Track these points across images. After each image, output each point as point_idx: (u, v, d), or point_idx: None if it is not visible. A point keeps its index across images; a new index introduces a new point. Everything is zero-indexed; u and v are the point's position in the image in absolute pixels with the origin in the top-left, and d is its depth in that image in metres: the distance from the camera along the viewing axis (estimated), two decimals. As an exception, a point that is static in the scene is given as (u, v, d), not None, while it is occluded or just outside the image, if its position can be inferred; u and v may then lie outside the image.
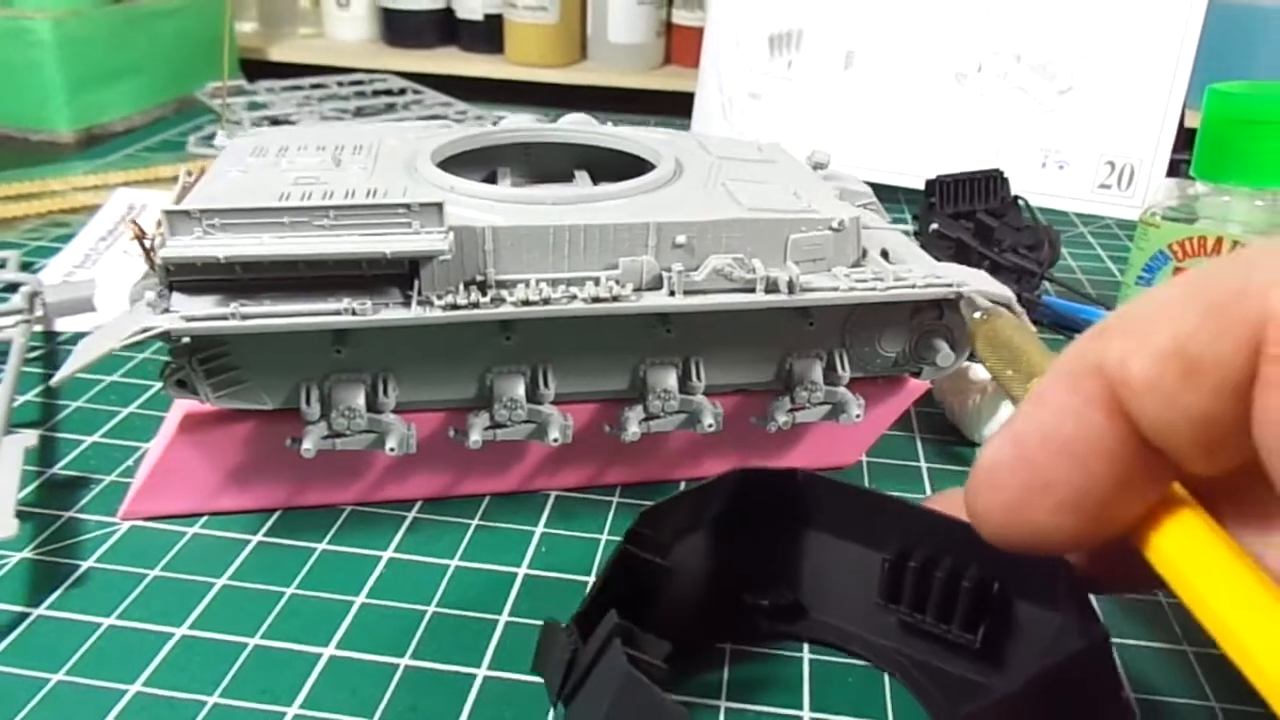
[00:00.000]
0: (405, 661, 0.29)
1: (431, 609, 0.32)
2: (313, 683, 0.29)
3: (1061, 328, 0.53)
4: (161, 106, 0.90)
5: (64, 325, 0.49)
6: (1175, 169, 0.63)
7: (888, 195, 0.65)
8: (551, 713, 0.28)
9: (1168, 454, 0.18)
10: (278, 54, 1.09)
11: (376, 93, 0.90)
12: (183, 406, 0.34)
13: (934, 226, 0.49)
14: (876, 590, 0.29)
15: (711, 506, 0.29)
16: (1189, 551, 0.18)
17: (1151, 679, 0.30)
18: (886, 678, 0.30)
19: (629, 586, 0.26)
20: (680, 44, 1.05)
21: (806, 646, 0.31)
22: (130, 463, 0.38)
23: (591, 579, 0.33)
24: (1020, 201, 0.50)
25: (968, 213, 0.49)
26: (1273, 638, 0.16)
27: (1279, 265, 0.17)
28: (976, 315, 0.29)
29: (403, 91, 0.90)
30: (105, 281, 0.51)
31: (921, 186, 0.52)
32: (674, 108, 0.92)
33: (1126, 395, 0.18)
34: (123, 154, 0.77)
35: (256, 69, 1.01)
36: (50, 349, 0.47)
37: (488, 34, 1.08)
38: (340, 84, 0.90)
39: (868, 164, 0.68)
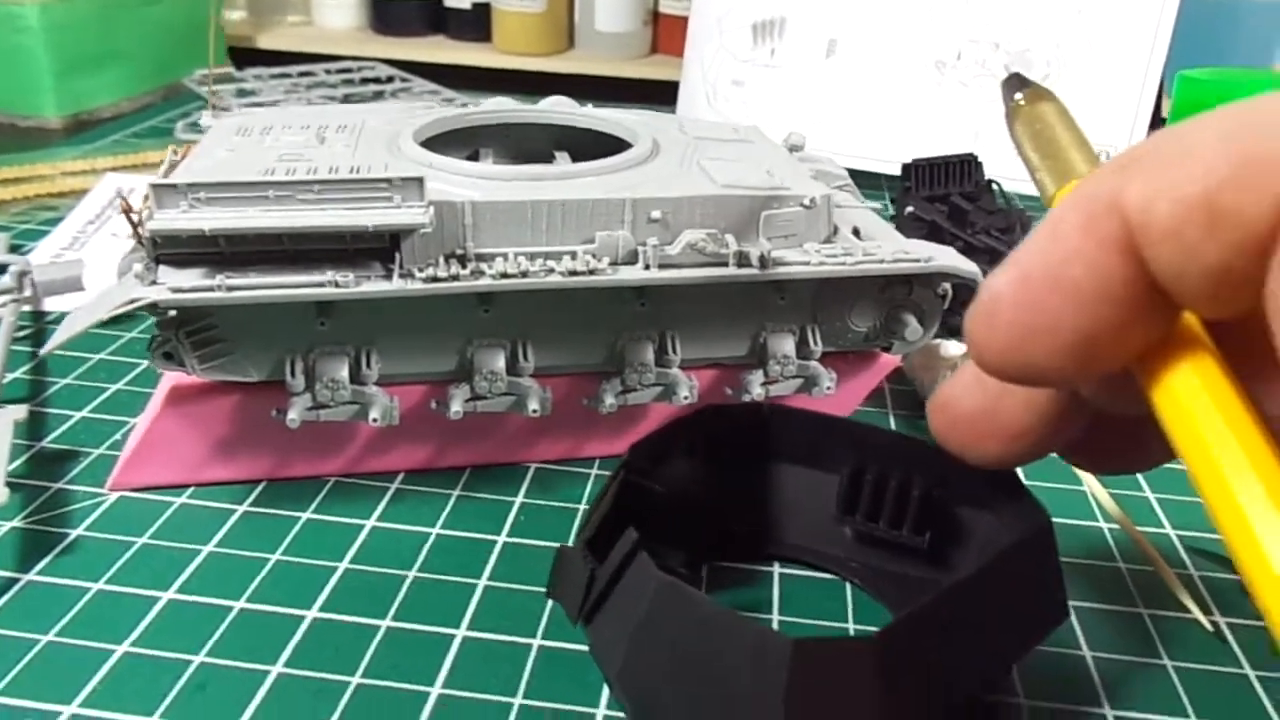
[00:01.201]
0: (387, 623, 0.30)
1: (413, 574, 0.32)
2: (297, 642, 0.29)
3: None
4: (150, 93, 0.90)
5: (53, 304, 0.49)
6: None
7: (869, 181, 0.66)
8: (527, 670, 0.29)
9: (1173, 297, 0.18)
10: (266, 41, 1.09)
11: (364, 80, 0.90)
12: (170, 381, 0.35)
13: (909, 209, 0.50)
14: (836, 506, 0.32)
15: (688, 441, 0.32)
16: (1192, 387, 0.18)
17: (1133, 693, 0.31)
18: (849, 586, 0.33)
19: (627, 512, 0.28)
20: (667, 33, 1.06)
21: (776, 565, 0.33)
22: (118, 437, 0.39)
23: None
24: (994, 185, 0.51)
25: (942, 196, 0.50)
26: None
27: None
28: (1018, 97, 0.26)
29: (390, 79, 0.91)
30: (94, 263, 0.51)
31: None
32: (660, 96, 0.92)
33: (1143, 240, 0.17)
34: (111, 140, 0.78)
35: (245, 57, 1.02)
36: (39, 328, 0.48)
37: (476, 22, 1.09)
38: (328, 71, 0.91)
39: (849, 150, 0.69)
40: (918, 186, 0.51)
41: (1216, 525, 0.17)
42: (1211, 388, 0.18)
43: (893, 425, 0.42)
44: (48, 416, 0.40)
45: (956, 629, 0.24)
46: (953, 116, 0.68)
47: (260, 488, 0.36)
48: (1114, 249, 0.18)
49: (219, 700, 0.27)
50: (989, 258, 0.48)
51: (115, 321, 0.49)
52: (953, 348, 0.43)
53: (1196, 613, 0.32)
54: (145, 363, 0.45)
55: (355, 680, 0.28)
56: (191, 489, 0.36)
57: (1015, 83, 0.27)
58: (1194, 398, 0.18)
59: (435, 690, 0.28)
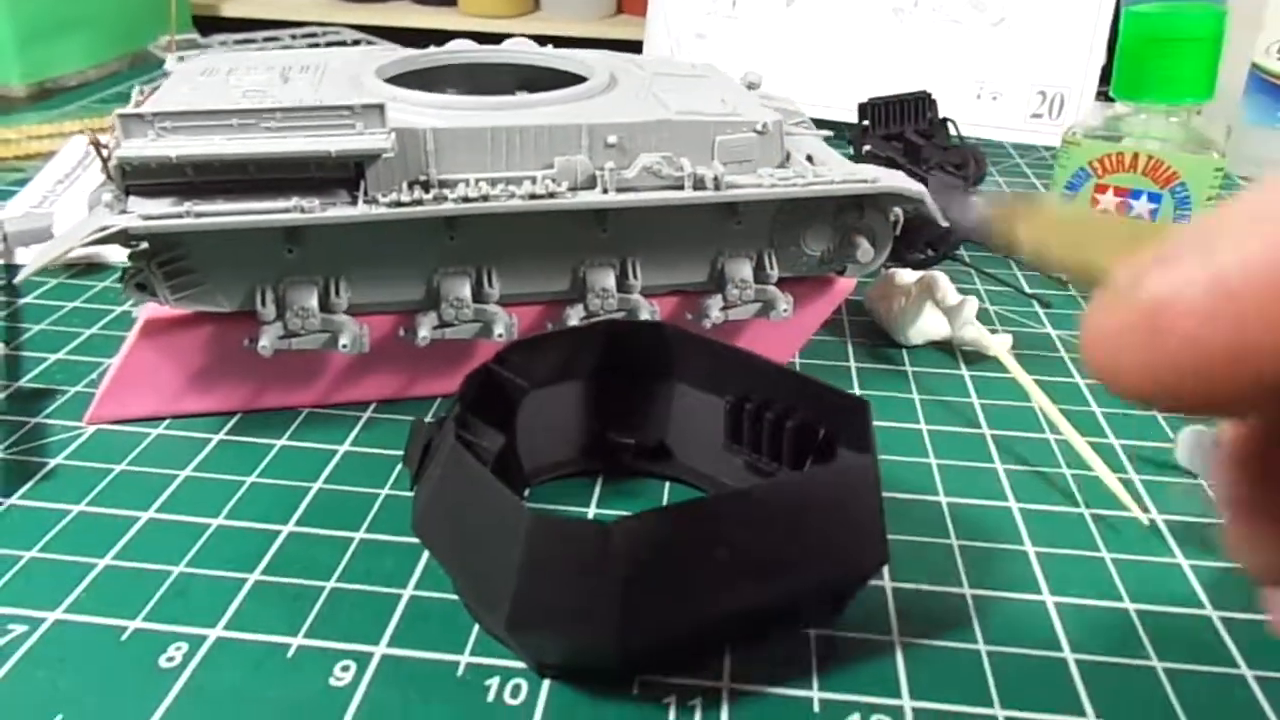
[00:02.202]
0: (360, 535, 0.31)
1: (385, 491, 0.34)
2: (274, 554, 0.31)
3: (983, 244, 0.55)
4: (115, 61, 0.90)
5: (24, 257, 0.50)
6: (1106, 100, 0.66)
7: (830, 129, 0.67)
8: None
9: None
10: (231, 9, 1.09)
11: (330, 45, 0.90)
12: (146, 314, 0.36)
13: (866, 148, 0.51)
14: (723, 433, 0.33)
15: (584, 355, 0.33)
16: None
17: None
18: None
19: (495, 406, 0.30)
20: (632, -6, 1.07)
21: (668, 484, 0.34)
22: (95, 376, 0.40)
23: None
24: (948, 122, 0.52)
25: (898, 134, 0.52)
26: None
27: None
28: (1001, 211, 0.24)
29: (356, 43, 0.91)
30: (64, 219, 0.52)
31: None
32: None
33: None
34: (76, 106, 0.78)
35: (210, 25, 1.01)
36: (10, 279, 0.48)
37: (440, -13, 1.09)
38: (294, 37, 0.91)
39: (811, 99, 0.70)
40: (875, 125, 0.52)
41: None
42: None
43: (850, 354, 0.44)
44: (23, 359, 0.41)
45: (715, 539, 0.24)
46: (911, 63, 0.69)
47: (236, 418, 0.37)
48: None
49: (200, 603, 0.28)
50: (943, 193, 0.50)
51: (89, 270, 0.49)
52: (907, 276, 0.44)
53: (1135, 510, 0.34)
54: (120, 308, 0.46)
55: (330, 584, 0.29)
56: (168, 421, 0.37)
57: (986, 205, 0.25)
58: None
59: (407, 592, 0.29)
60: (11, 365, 0.40)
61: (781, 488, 0.26)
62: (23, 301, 0.46)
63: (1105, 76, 0.68)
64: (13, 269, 0.50)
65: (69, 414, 0.37)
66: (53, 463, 0.35)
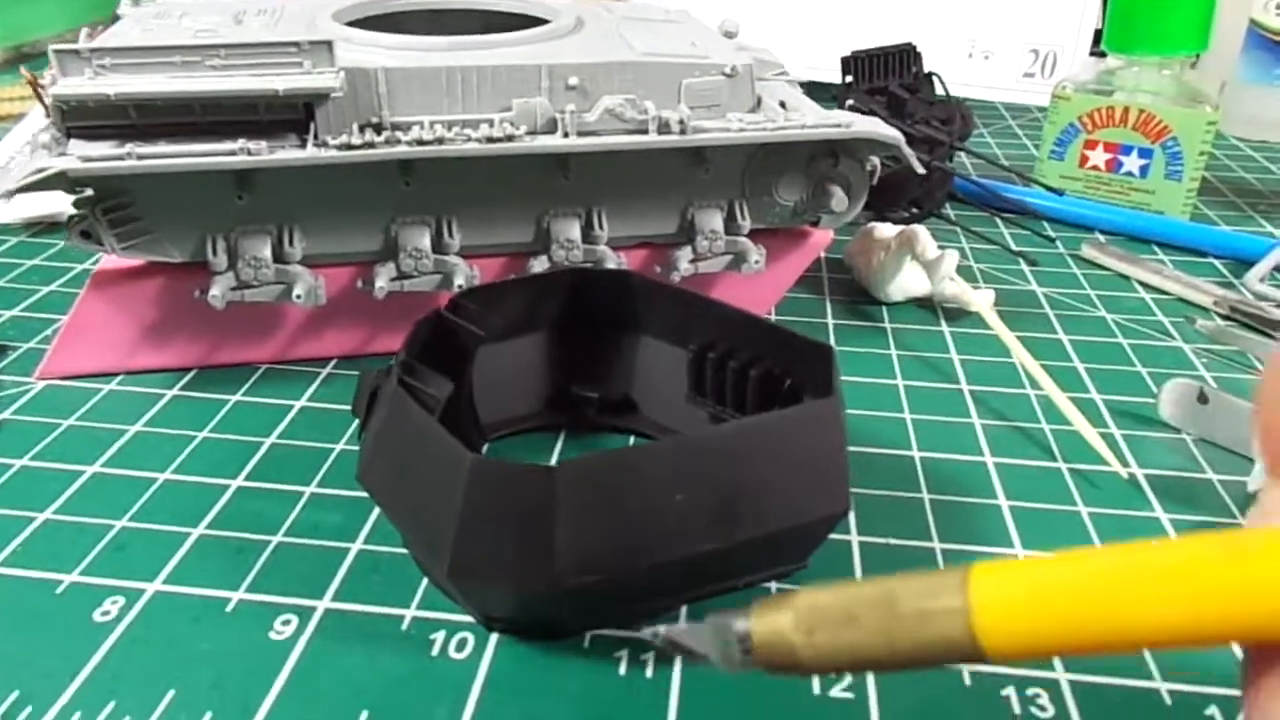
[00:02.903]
0: (311, 489, 0.30)
1: (340, 446, 0.33)
2: (220, 508, 0.29)
3: (971, 202, 0.54)
4: (91, 25, 0.88)
5: (-15, 215, 0.49)
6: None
7: (819, 93, 0.66)
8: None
9: None
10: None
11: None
12: (97, 268, 0.35)
13: (849, 103, 0.50)
14: (687, 384, 0.32)
15: (546, 304, 0.32)
16: None
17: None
18: None
19: (447, 354, 0.29)
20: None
21: (633, 439, 0.33)
22: (49, 333, 0.39)
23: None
24: (934, 77, 0.51)
25: (881, 89, 0.50)
26: None
27: None
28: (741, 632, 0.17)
29: (339, 6, 0.89)
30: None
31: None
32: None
33: None
34: (53, 68, 0.77)
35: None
36: (-28, 238, 0.47)
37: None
38: (276, -1, 0.89)
39: (797, 61, 0.68)
40: (858, 80, 0.51)
41: None
42: None
43: (829, 311, 0.42)
44: (-23, 316, 0.40)
45: (669, 483, 0.23)
46: (901, 21, 0.68)
47: (191, 374, 0.36)
48: None
49: (139, 558, 0.27)
50: (928, 147, 0.48)
51: (50, 229, 0.48)
52: (886, 230, 0.43)
53: (1115, 465, 0.32)
54: (80, 266, 0.45)
55: (276, 539, 0.28)
56: (121, 376, 0.36)
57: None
58: None
59: (355, 546, 0.28)
60: (-36, 321, 0.39)
61: (739, 430, 0.24)
62: (-20, 257, 0.45)
63: (1100, 38, 0.66)
64: (-25, 228, 0.49)
65: (20, 370, 0.36)
66: (-1, 418, 0.34)
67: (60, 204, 0.48)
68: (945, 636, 0.15)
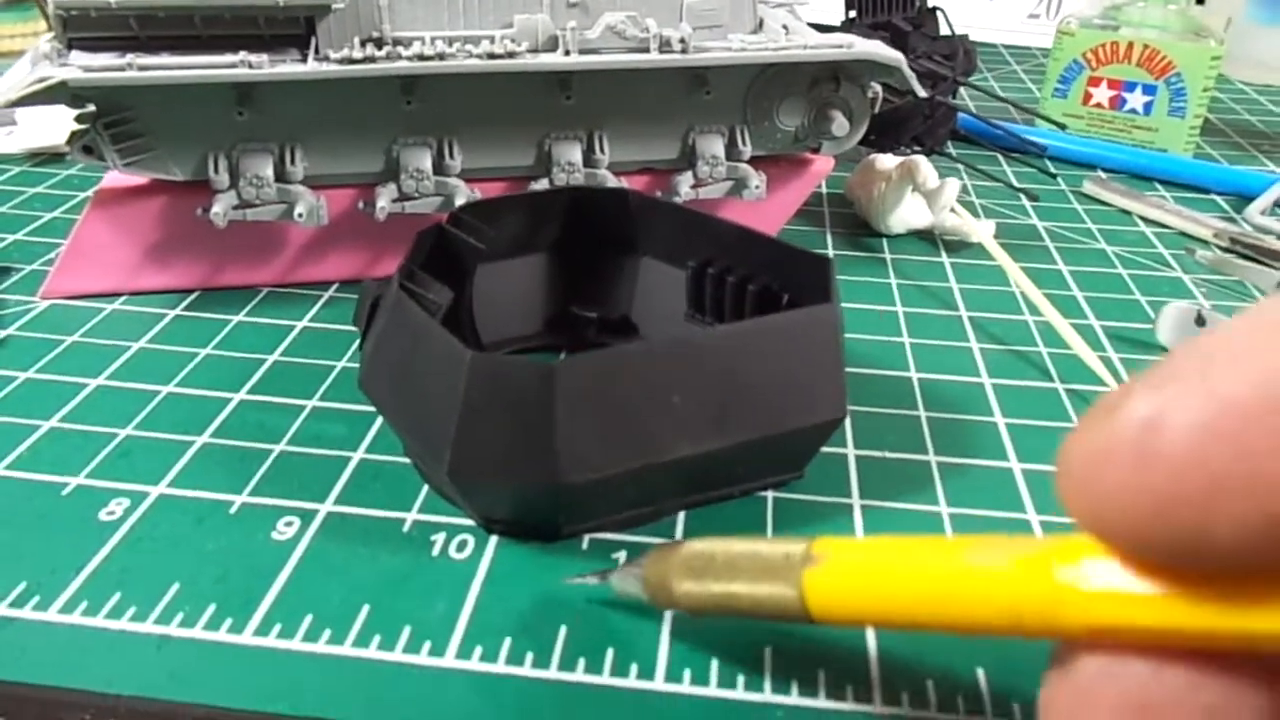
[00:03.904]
0: (314, 403, 0.31)
1: (341, 364, 0.33)
2: (223, 419, 0.30)
3: (974, 140, 0.54)
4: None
5: (-13, 145, 0.49)
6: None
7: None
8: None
9: None
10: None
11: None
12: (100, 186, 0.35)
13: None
14: (686, 303, 0.32)
15: (546, 224, 0.32)
16: None
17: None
18: None
19: (448, 267, 0.29)
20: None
21: None
22: (53, 256, 0.39)
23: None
24: (939, 11, 0.51)
25: (885, 23, 0.50)
26: None
27: None
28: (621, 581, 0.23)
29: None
30: (28, 112, 0.51)
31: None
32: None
33: None
34: (52, 9, 0.76)
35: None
36: (-26, 167, 0.47)
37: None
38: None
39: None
40: (861, 14, 0.50)
41: None
42: None
43: (829, 244, 0.42)
44: (-20, 240, 0.40)
45: (667, 383, 0.23)
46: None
47: (194, 296, 0.37)
48: None
49: (144, 463, 0.28)
50: (931, 82, 0.48)
51: (54, 159, 0.48)
52: (887, 161, 0.43)
53: (1111, 384, 0.33)
54: (81, 194, 0.45)
55: (279, 447, 0.29)
56: (124, 297, 0.36)
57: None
58: None
59: (357, 455, 0.28)
60: (-33, 244, 0.40)
61: (737, 331, 0.25)
62: (-17, 187, 0.45)
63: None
64: (-24, 159, 0.49)
65: (24, 290, 0.37)
66: (3, 334, 0.34)
67: (62, 134, 0.48)
68: (781, 597, 0.19)
